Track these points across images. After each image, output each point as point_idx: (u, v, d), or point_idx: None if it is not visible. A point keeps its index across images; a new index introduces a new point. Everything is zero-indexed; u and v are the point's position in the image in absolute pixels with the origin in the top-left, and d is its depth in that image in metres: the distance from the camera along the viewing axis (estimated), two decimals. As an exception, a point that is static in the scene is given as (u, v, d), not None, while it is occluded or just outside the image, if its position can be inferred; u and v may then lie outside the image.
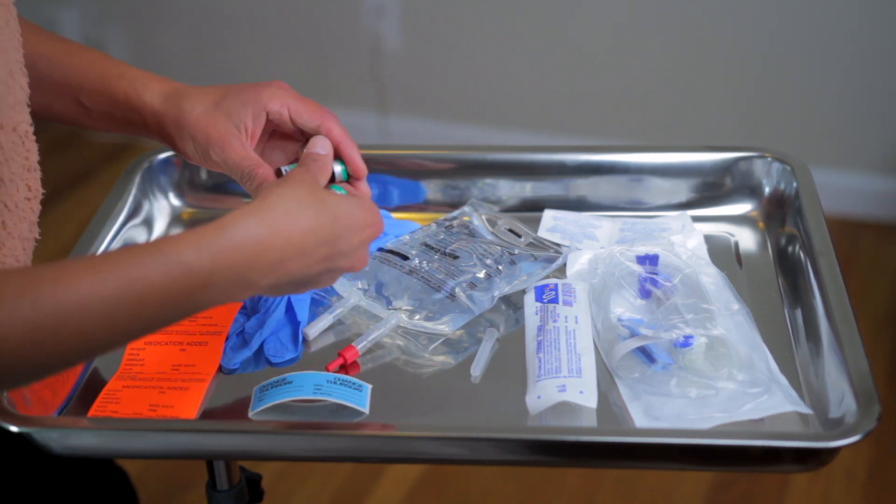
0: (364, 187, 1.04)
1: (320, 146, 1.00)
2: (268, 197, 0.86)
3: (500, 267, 1.11)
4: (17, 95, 0.92)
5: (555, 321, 1.05)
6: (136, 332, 0.82)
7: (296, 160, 1.05)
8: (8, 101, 0.90)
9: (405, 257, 1.11)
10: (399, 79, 2.88)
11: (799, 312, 1.07)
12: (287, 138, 1.06)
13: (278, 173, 1.02)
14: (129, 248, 0.83)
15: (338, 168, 1.02)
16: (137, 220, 1.21)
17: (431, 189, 1.25)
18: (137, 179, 1.23)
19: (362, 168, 1.03)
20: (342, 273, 0.91)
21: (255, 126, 1.02)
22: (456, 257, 1.11)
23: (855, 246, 2.61)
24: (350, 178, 1.04)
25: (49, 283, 0.76)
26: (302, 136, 1.05)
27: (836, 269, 1.06)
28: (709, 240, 1.18)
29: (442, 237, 1.15)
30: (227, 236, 0.82)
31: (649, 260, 1.11)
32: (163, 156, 1.25)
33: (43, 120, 1.06)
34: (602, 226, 1.21)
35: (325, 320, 1.08)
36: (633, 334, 1.02)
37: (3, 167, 0.90)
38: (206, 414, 1.00)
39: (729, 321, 1.04)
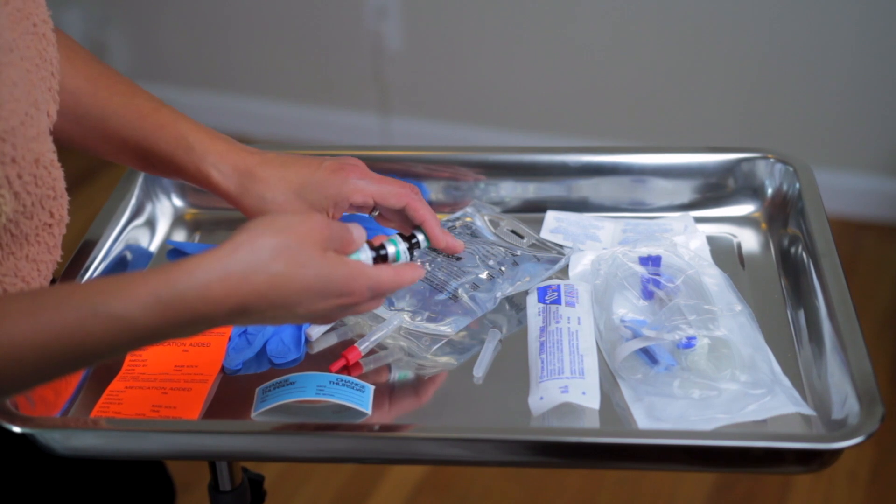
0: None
1: (357, 231, 0.92)
2: (237, 249, 0.81)
3: (503, 268, 1.11)
4: (41, 125, 0.91)
5: (557, 322, 1.05)
6: (72, 372, 0.83)
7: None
8: (29, 134, 0.88)
9: (408, 258, 1.11)
10: (401, 80, 2.88)
11: (801, 313, 1.07)
12: (360, 209, 1.07)
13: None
14: (74, 291, 0.79)
15: (421, 236, 1.04)
16: (140, 221, 1.21)
17: (434, 190, 1.25)
18: (140, 180, 1.23)
19: (442, 242, 1.04)
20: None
21: (336, 211, 1.03)
22: (458, 258, 1.11)
23: (857, 247, 2.61)
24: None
25: None
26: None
27: (838, 270, 1.06)
28: (711, 241, 1.18)
29: (444, 238, 1.15)
30: (179, 290, 0.78)
31: (652, 261, 1.11)
32: (165, 157, 1.25)
33: (105, 160, 1.09)
34: (604, 227, 1.21)
35: (327, 321, 1.08)
36: (636, 335, 1.02)
37: (6, 199, 0.88)
38: (209, 414, 1.00)
39: (731, 322, 1.03)
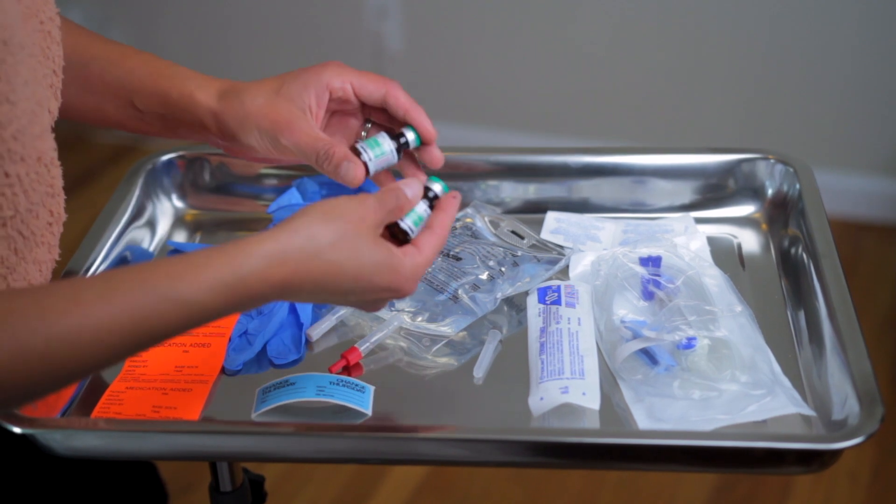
0: (435, 152, 1.02)
1: (410, 189, 0.93)
2: (295, 234, 0.83)
3: (503, 269, 1.11)
4: (44, 122, 0.91)
5: (557, 323, 1.05)
6: (138, 353, 0.83)
7: (362, 135, 1.05)
8: (34, 132, 0.89)
9: (408, 259, 1.10)
10: (401, 80, 2.85)
11: (802, 314, 1.07)
12: (347, 116, 1.05)
13: (353, 150, 0.99)
14: (145, 276, 0.80)
15: (411, 135, 1.01)
16: (141, 222, 1.21)
17: (434, 191, 1.25)
18: (141, 181, 1.23)
19: (432, 132, 1.02)
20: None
21: (318, 106, 1.01)
22: (459, 259, 1.11)
23: (858, 248, 2.61)
24: (422, 144, 1.02)
25: (61, 314, 0.77)
26: (362, 116, 1.05)
27: (838, 271, 1.06)
28: (712, 241, 1.18)
29: (445, 239, 1.15)
30: (242, 274, 0.81)
31: (652, 262, 1.11)
32: (166, 157, 1.25)
33: (93, 125, 1.06)
34: (605, 227, 1.21)
35: (327, 322, 1.08)
36: (636, 336, 1.02)
37: (20, 198, 0.89)
38: (209, 415, 1.00)
39: (732, 323, 1.03)
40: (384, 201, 0.89)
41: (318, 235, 0.84)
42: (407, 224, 0.93)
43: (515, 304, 1.10)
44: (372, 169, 0.99)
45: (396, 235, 0.93)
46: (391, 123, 1.03)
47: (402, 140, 1.00)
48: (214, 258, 0.81)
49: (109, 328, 0.78)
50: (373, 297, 0.89)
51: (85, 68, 1.03)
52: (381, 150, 0.98)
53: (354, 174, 0.98)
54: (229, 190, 1.26)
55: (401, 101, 1.01)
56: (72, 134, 2.97)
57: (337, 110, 1.04)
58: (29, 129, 0.87)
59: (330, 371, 1.02)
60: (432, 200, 0.96)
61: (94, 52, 1.04)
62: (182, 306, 0.80)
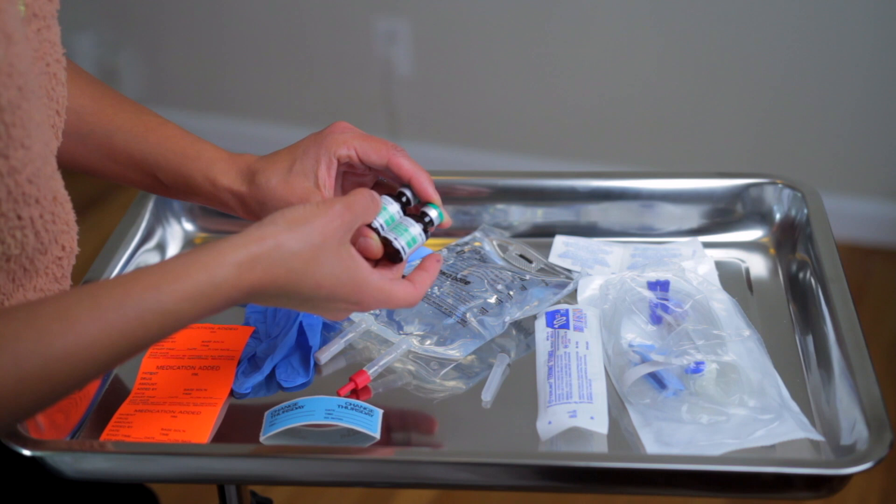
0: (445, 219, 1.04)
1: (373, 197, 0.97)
2: (262, 241, 0.87)
3: (512, 292, 1.11)
4: (53, 162, 0.93)
5: (566, 347, 1.05)
6: (120, 363, 0.86)
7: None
8: (47, 172, 0.90)
9: (416, 282, 1.11)
10: (410, 105, 2.89)
11: (810, 339, 1.07)
12: (359, 175, 1.07)
13: (384, 240, 1.01)
14: (128, 290, 0.83)
15: (433, 213, 1.02)
16: (150, 245, 1.22)
17: (443, 214, 1.26)
18: (151, 204, 1.23)
19: (435, 199, 1.03)
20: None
21: (329, 175, 1.03)
22: (467, 283, 1.11)
23: (866, 272, 2.60)
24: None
25: (57, 336, 0.79)
26: (373, 172, 1.07)
27: (847, 296, 1.06)
28: (720, 266, 1.18)
29: (453, 262, 1.15)
30: (216, 281, 0.85)
31: (660, 286, 1.11)
32: (176, 181, 1.25)
33: (115, 183, 1.10)
34: (613, 251, 1.21)
35: (336, 345, 1.08)
36: (644, 360, 1.02)
37: (29, 239, 0.90)
38: (218, 438, 1.00)
39: (740, 347, 1.04)
40: (351, 204, 0.92)
41: (284, 244, 0.87)
42: (400, 244, 0.98)
43: (523, 328, 1.10)
44: (405, 256, 1.00)
45: (390, 255, 0.98)
46: (399, 183, 1.05)
47: (404, 199, 1.03)
48: (191, 267, 0.85)
49: (101, 345, 0.81)
50: (332, 307, 0.93)
51: (109, 138, 1.06)
52: (410, 235, 1.00)
53: (365, 247, 0.99)
54: (239, 213, 1.27)
55: (404, 169, 1.03)
56: (82, 157, 2.98)
57: (348, 172, 1.07)
58: (43, 171, 0.89)
59: (338, 394, 1.03)
60: (427, 226, 1.01)
61: (119, 123, 1.06)
62: (164, 316, 0.83)
